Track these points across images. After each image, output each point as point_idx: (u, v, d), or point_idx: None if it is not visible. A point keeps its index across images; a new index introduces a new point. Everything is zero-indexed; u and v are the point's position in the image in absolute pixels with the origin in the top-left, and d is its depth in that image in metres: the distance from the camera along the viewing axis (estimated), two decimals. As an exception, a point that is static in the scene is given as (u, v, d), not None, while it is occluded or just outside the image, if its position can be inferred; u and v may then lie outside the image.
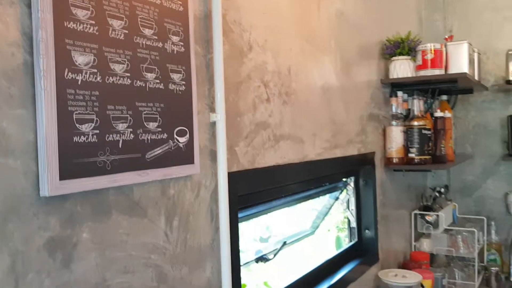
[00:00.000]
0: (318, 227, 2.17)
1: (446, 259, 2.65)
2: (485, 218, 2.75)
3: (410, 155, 2.21)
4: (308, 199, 1.90)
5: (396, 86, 2.31)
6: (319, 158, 1.62)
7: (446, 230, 2.63)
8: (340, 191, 2.12)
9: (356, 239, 2.09)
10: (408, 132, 2.22)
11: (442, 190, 2.81)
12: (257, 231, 1.85)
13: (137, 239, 0.89)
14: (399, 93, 2.27)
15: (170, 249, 0.96)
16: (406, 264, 2.37)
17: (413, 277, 2.04)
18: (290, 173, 1.45)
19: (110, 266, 0.83)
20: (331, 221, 2.28)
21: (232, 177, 1.14)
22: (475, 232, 2.50)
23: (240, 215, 1.24)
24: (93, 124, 0.79)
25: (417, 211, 2.58)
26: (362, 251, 2.07)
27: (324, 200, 2.14)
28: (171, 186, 0.98)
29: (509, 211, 2.81)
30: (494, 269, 2.64)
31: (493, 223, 2.84)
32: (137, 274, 0.88)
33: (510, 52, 2.64)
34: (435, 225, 2.55)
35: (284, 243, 1.78)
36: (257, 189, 1.32)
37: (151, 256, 0.92)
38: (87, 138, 0.78)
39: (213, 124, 1.10)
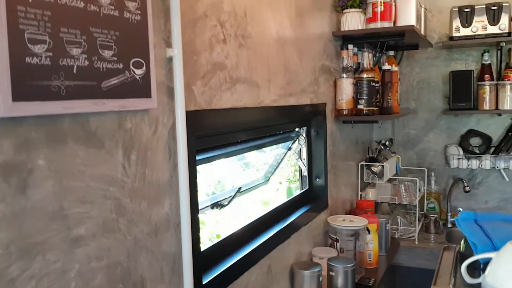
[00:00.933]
0: (271, 176, 2.21)
1: (389, 208, 2.80)
2: (425, 169, 2.90)
3: (359, 106, 2.28)
4: (263, 147, 1.92)
5: (347, 39, 2.34)
6: (275, 105, 1.64)
7: (390, 180, 2.76)
8: (292, 141, 2.16)
9: (307, 187, 2.15)
10: (357, 84, 2.28)
11: (387, 143, 2.93)
12: (212, 176, 1.86)
13: (95, 170, 0.87)
14: (350, 46, 2.31)
15: (128, 182, 0.95)
16: (353, 211, 2.48)
17: (359, 221, 2.14)
18: (246, 117, 1.46)
19: (67, 195, 0.81)
20: (283, 174, 2.34)
21: (190, 115, 1.13)
22: (417, 181, 2.65)
23: (197, 157, 1.23)
24: (46, 46, 0.75)
25: (363, 163, 2.68)
26: (312, 198, 2.13)
27: (277, 151, 2.17)
28: (128, 119, 0.96)
29: (448, 163, 2.98)
30: (433, 216, 2.81)
31: (433, 174, 3.01)
32: (96, 205, 0.87)
33: (454, 9, 2.73)
34: (380, 175, 2.66)
35: (239, 189, 1.81)
36: (214, 130, 1.32)
37: (110, 188, 0.90)
38: (40, 60, 0.74)
39: (170, 59, 1.07)
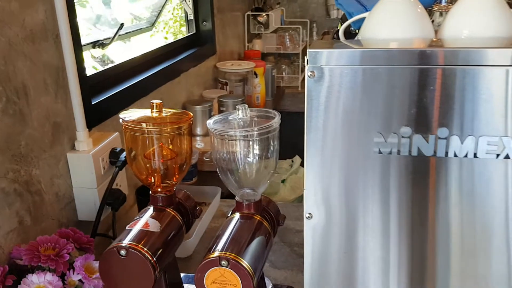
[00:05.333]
0: (156, 21, 2.12)
1: (275, 59, 2.89)
2: (308, 21, 2.99)
3: None
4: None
5: None
6: None
7: (275, 31, 2.82)
8: (175, -18, 2.06)
9: (194, 31, 2.12)
10: None
11: (272, -6, 2.94)
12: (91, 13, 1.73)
13: None
14: None
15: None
16: (241, 60, 2.53)
17: (247, 65, 2.20)
18: None
19: None
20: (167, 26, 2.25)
21: None
22: (300, 29, 2.74)
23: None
24: None
25: (250, 12, 2.68)
26: (200, 42, 2.12)
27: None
28: None
29: (329, 14, 3.10)
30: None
31: (314, 25, 3.12)
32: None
33: None
34: (266, 25, 2.70)
35: (121, 26, 1.72)
36: None
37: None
38: None
39: None
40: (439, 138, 0.58)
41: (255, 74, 2.28)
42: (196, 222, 1.15)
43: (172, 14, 2.71)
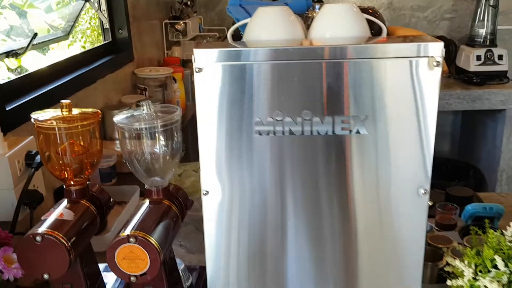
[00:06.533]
0: (72, 29, 2.15)
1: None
2: (225, 28, 3.12)
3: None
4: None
5: None
6: None
7: (194, 38, 2.92)
8: (89, -8, 2.10)
9: (110, 39, 2.17)
10: None
11: (189, 2, 3.03)
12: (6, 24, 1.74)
13: None
14: None
15: None
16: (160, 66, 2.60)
17: (165, 70, 2.28)
18: None
19: None
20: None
21: None
22: (217, 36, 2.86)
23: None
24: None
25: (167, 21, 2.76)
26: (117, 50, 2.17)
27: (75, 4, 2.09)
28: None
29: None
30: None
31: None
32: None
33: None
34: (184, 33, 2.79)
35: (35, 35, 1.74)
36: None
37: None
38: None
39: None
40: (305, 119, 0.71)
41: (174, 79, 2.36)
42: (115, 219, 1.23)
43: (90, 23, 2.74)
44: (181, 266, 1.02)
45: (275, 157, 0.73)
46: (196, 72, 0.70)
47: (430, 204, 0.74)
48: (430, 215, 1.26)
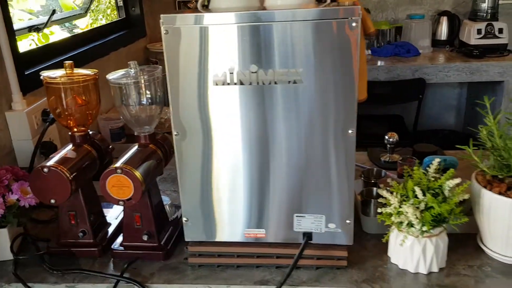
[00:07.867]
0: (89, 8, 2.35)
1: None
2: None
3: None
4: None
5: None
6: None
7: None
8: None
9: (124, 16, 2.36)
10: None
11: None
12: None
13: None
14: None
15: None
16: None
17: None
18: None
19: None
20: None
21: None
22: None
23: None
24: None
25: (180, -1, 2.92)
26: (130, 26, 2.36)
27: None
28: None
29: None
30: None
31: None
32: None
33: None
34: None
35: (53, 12, 1.94)
36: None
37: None
38: None
39: None
40: (252, 72, 0.87)
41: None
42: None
43: (109, 2, 2.94)
44: (167, 202, 1.21)
45: (230, 104, 0.90)
46: (164, 34, 0.88)
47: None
48: (394, 168, 1.42)
